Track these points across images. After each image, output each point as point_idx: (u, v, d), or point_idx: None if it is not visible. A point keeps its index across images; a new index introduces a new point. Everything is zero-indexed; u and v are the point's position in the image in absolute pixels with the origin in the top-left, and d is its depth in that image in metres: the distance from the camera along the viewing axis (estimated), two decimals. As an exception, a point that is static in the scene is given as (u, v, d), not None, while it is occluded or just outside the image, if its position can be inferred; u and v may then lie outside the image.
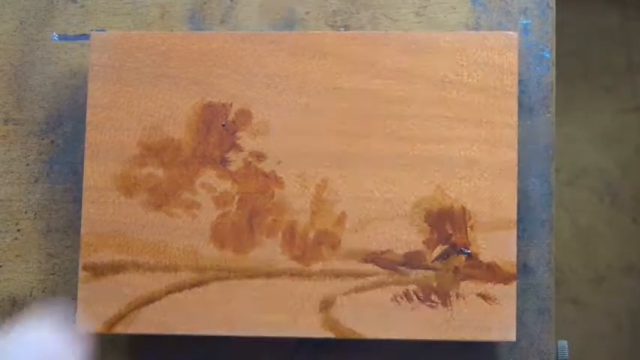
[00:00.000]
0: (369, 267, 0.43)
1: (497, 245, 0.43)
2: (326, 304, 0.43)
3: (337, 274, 0.43)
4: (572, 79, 1.35)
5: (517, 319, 0.43)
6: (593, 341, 1.27)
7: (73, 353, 0.29)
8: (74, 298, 0.44)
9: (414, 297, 0.43)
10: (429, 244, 0.43)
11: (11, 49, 0.50)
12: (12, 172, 0.49)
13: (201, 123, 0.44)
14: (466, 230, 0.43)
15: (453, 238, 0.43)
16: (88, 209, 0.44)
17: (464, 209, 0.43)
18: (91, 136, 0.45)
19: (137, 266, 0.44)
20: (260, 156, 0.44)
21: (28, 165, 0.49)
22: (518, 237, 0.44)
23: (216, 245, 0.44)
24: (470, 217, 0.43)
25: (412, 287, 0.43)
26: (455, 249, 0.43)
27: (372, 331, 0.43)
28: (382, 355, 0.46)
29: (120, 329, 0.43)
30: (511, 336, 0.42)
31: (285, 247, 0.44)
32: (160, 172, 0.44)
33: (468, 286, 0.43)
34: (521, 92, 0.46)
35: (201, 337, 0.44)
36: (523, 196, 0.46)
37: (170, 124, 0.44)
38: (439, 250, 0.43)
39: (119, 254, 0.44)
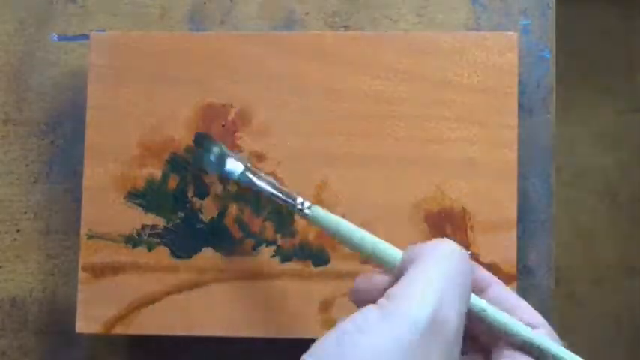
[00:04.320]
0: (369, 268, 0.43)
1: (497, 246, 0.43)
2: (326, 305, 0.43)
3: (337, 275, 0.43)
4: (572, 79, 1.35)
5: (517, 319, 0.43)
6: (593, 341, 1.27)
7: None
8: (74, 298, 0.44)
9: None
10: (429, 244, 0.43)
11: (11, 50, 0.50)
12: (12, 173, 0.49)
13: (201, 123, 0.44)
14: (466, 231, 0.43)
15: (453, 239, 0.43)
16: (87, 210, 0.44)
17: (464, 210, 0.43)
18: (90, 136, 0.45)
19: (137, 267, 0.44)
20: (260, 157, 0.44)
21: (27, 165, 0.49)
22: (518, 237, 0.44)
23: (216, 246, 0.44)
24: (470, 218, 0.43)
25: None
26: (455, 249, 0.43)
27: (372, 332, 0.43)
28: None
29: (120, 330, 0.43)
30: (511, 336, 0.42)
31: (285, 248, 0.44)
32: (159, 173, 0.44)
33: (468, 287, 0.43)
34: (521, 93, 0.46)
35: (201, 338, 0.44)
36: (523, 196, 0.46)
37: (170, 125, 0.44)
38: (439, 250, 0.43)
39: (119, 255, 0.44)
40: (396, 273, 0.31)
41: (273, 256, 0.44)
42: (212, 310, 0.43)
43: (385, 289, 0.29)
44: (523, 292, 0.45)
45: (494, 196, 0.43)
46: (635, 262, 1.33)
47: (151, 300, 0.44)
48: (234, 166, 0.42)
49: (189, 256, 0.44)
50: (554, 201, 0.46)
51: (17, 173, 0.49)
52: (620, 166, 1.35)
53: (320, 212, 0.37)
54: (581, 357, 0.32)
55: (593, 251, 1.34)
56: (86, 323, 0.44)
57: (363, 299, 0.32)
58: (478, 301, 0.32)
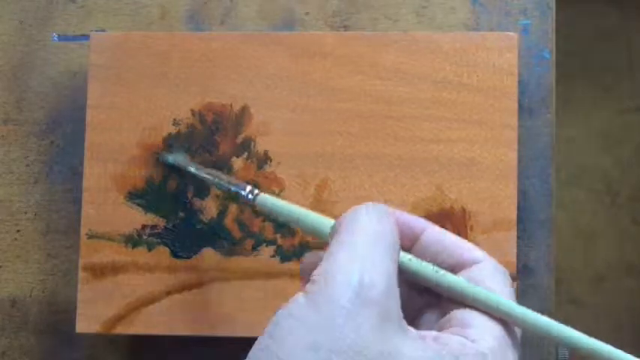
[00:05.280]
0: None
1: (497, 246, 0.43)
2: (326, 305, 0.43)
3: (337, 275, 0.43)
4: (572, 79, 1.35)
5: (517, 319, 0.43)
6: (593, 341, 1.27)
7: None
8: (74, 298, 0.44)
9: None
10: (429, 244, 0.43)
11: (11, 50, 0.50)
12: (12, 173, 0.49)
13: (201, 123, 0.44)
14: (466, 231, 0.43)
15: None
16: (87, 210, 0.44)
17: (464, 210, 0.43)
18: (90, 136, 0.45)
19: (137, 267, 0.44)
20: (260, 157, 0.44)
21: (27, 165, 0.49)
22: (518, 237, 0.44)
23: (216, 246, 0.44)
24: (470, 218, 0.43)
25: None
26: (455, 249, 0.43)
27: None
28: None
29: (120, 330, 0.43)
30: (511, 336, 0.42)
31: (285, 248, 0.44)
32: (159, 173, 0.44)
33: (468, 287, 0.43)
34: (521, 93, 0.46)
35: (201, 338, 0.44)
36: (523, 196, 0.46)
37: (170, 125, 0.44)
38: (439, 250, 0.43)
39: (119, 255, 0.44)
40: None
41: (273, 256, 0.44)
42: (212, 310, 0.43)
43: None
44: (523, 293, 0.46)
45: (494, 196, 0.43)
46: (635, 262, 1.33)
47: (150, 300, 0.44)
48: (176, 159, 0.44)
49: (189, 256, 0.44)
50: (554, 201, 0.46)
51: (17, 173, 0.49)
52: (620, 166, 1.35)
53: (267, 199, 0.37)
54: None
55: (593, 251, 1.34)
56: (86, 323, 0.44)
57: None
58: (404, 255, 0.31)
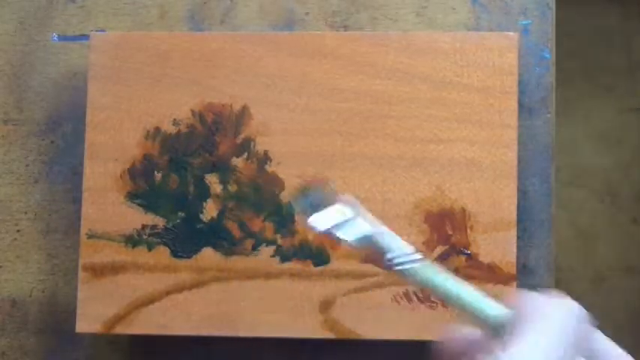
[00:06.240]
0: (369, 267, 0.43)
1: (497, 246, 0.43)
2: (326, 305, 0.43)
3: (337, 275, 0.43)
4: (572, 79, 1.35)
5: (517, 319, 0.43)
6: (593, 341, 1.27)
7: None
8: (74, 298, 0.44)
9: (414, 297, 0.43)
10: (429, 244, 0.43)
11: (11, 50, 0.50)
12: (12, 173, 0.49)
13: (201, 123, 0.44)
14: (466, 231, 0.43)
15: (453, 239, 0.43)
16: (87, 210, 0.44)
17: (464, 210, 0.43)
18: (90, 136, 0.45)
19: (137, 267, 0.44)
20: (260, 157, 0.44)
21: (27, 165, 0.49)
22: (518, 237, 0.44)
23: (216, 246, 0.44)
24: (470, 218, 0.43)
25: (412, 288, 0.43)
26: (455, 249, 0.43)
27: (372, 332, 0.43)
28: (382, 355, 0.46)
29: (120, 330, 0.43)
30: (511, 336, 0.42)
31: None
32: (159, 173, 0.44)
33: (467, 287, 0.43)
34: (521, 92, 0.46)
35: (201, 338, 0.44)
36: (523, 196, 0.46)
37: (170, 125, 0.44)
38: (439, 250, 0.43)
39: (119, 255, 0.44)
40: (507, 328, 0.28)
41: (273, 256, 0.44)
42: (212, 310, 0.43)
43: (476, 343, 0.28)
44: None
45: (494, 196, 0.43)
46: (635, 262, 1.33)
47: (150, 300, 0.44)
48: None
49: (189, 256, 0.44)
50: (554, 201, 0.46)
51: (17, 173, 0.49)
52: (620, 166, 1.35)
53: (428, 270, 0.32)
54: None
55: (593, 251, 1.34)
56: (86, 323, 0.44)
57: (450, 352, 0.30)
58: None
